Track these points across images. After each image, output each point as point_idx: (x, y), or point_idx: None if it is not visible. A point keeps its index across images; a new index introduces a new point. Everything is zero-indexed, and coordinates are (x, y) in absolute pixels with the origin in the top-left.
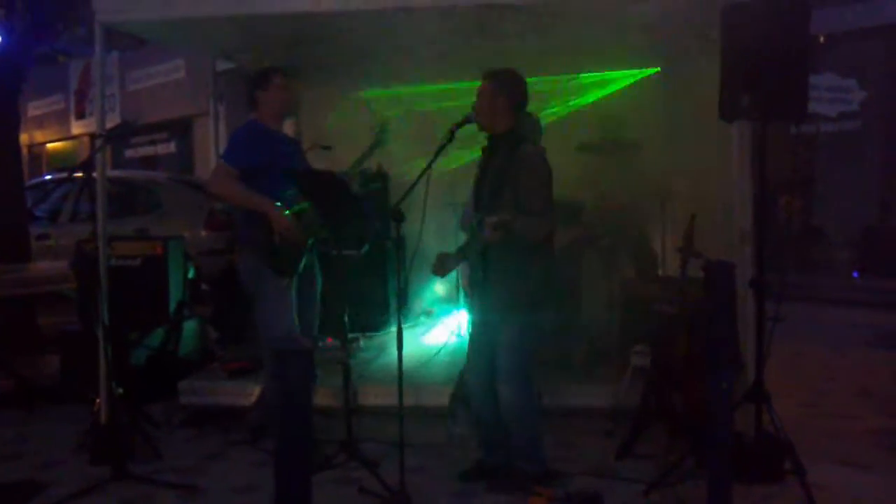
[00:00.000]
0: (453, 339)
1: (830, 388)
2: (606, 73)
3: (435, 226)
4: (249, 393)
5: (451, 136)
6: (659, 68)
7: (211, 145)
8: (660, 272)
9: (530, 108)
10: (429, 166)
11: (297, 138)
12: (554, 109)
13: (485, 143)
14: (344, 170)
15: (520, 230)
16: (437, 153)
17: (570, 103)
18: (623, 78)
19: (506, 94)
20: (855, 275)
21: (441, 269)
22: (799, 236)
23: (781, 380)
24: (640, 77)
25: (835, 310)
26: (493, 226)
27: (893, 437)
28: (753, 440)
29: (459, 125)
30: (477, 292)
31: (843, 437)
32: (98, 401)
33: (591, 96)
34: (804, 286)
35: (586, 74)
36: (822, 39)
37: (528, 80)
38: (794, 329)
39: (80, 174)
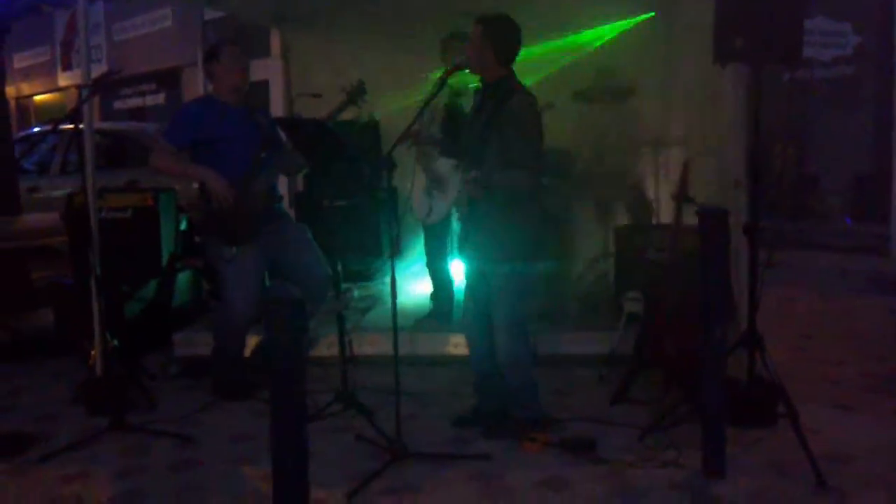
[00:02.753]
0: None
1: (821, 332)
2: (603, 27)
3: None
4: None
5: (442, 83)
6: (654, 13)
7: None
8: (654, 220)
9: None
10: (420, 114)
11: (265, 107)
12: (547, 47)
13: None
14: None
15: (499, 183)
16: (429, 100)
17: (564, 41)
18: (619, 29)
19: (491, 41)
20: (847, 221)
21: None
22: (792, 183)
23: (772, 325)
24: (635, 23)
25: (826, 255)
26: (469, 182)
27: (882, 380)
28: (746, 385)
29: (451, 71)
30: (468, 242)
31: (834, 380)
32: (93, 353)
33: (587, 36)
34: (796, 232)
35: (584, 32)
36: None
37: (525, 48)
38: (786, 275)
39: (68, 126)
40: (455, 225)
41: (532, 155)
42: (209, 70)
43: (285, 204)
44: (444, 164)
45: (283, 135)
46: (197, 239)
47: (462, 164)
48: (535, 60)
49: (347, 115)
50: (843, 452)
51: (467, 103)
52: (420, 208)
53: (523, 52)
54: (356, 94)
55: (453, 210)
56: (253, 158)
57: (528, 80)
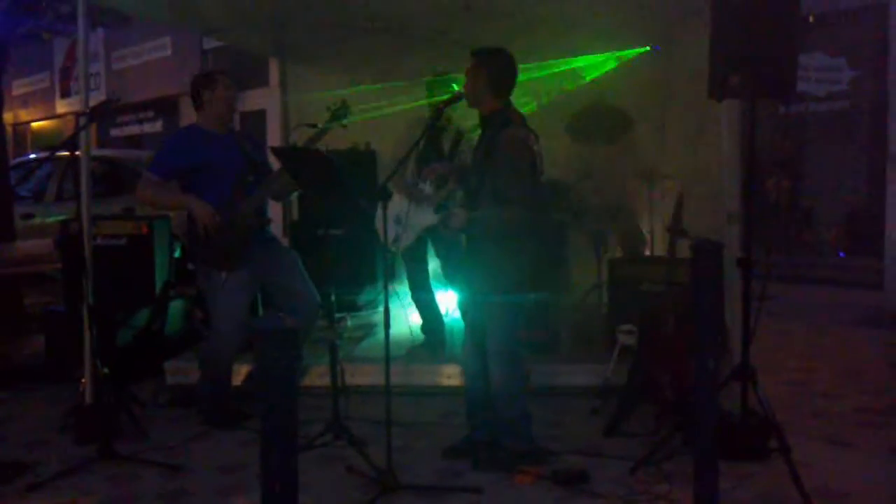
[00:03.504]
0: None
1: (816, 366)
2: (598, 55)
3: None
4: (235, 373)
5: (438, 114)
6: (649, 48)
7: None
8: (648, 252)
9: (523, 96)
10: (416, 143)
11: (250, 133)
12: (546, 99)
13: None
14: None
15: (489, 220)
16: (426, 131)
17: (563, 87)
18: (614, 59)
19: (486, 73)
20: (841, 255)
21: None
22: (787, 217)
23: (768, 359)
24: (630, 56)
25: (820, 289)
26: (446, 219)
27: (877, 416)
28: (739, 418)
29: (447, 103)
30: (462, 273)
31: (828, 415)
32: (83, 380)
33: (581, 62)
34: (791, 266)
35: (579, 58)
36: (811, 18)
37: (521, 67)
38: (780, 308)
39: (64, 153)
40: (433, 258)
41: (522, 189)
42: (199, 98)
43: (279, 232)
44: (429, 185)
45: (271, 159)
46: (190, 266)
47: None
48: (529, 86)
49: (344, 144)
50: (837, 488)
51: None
52: (388, 235)
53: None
54: (340, 113)
55: (429, 243)
56: (238, 183)
57: (523, 109)
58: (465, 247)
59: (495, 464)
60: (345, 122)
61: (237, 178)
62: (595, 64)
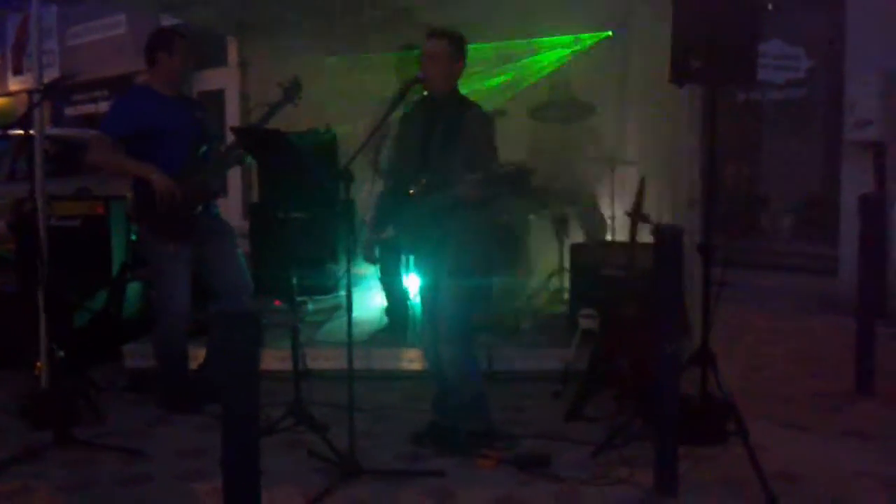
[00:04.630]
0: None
1: (773, 351)
2: (557, 38)
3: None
4: (194, 356)
5: (402, 96)
6: (611, 32)
7: None
8: (609, 237)
9: (479, 73)
10: (378, 126)
11: (201, 103)
12: (505, 77)
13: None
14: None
15: (461, 193)
16: (387, 113)
17: (520, 64)
18: (574, 42)
19: (459, 55)
20: (796, 242)
21: (371, 256)
22: (745, 203)
23: (726, 344)
24: (592, 41)
25: (777, 275)
26: (472, 184)
27: (832, 400)
28: (698, 402)
29: (410, 85)
30: (423, 256)
31: (785, 399)
32: (39, 365)
33: (544, 59)
34: (749, 251)
35: (537, 39)
36: (769, 6)
37: (477, 45)
38: (738, 294)
39: (17, 132)
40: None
41: (492, 166)
42: (152, 58)
43: (238, 214)
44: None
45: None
46: (132, 235)
47: (426, 175)
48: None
49: (304, 126)
50: (793, 471)
51: None
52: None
53: (480, 55)
54: (292, 90)
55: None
56: (192, 152)
57: (476, 86)
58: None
59: (457, 448)
60: (296, 100)
61: (190, 147)
62: (554, 56)
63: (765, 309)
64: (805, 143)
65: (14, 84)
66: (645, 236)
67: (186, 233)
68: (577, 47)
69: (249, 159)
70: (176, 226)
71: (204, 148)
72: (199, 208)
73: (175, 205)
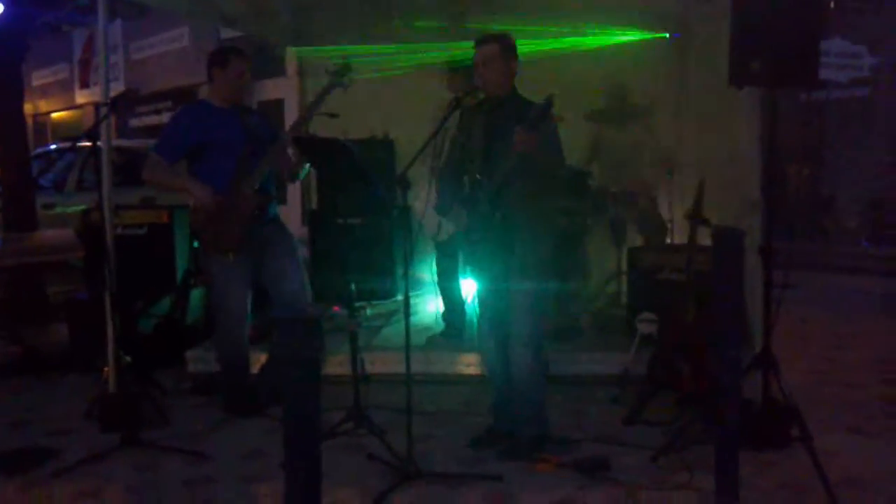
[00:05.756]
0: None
1: (839, 355)
2: (610, 30)
3: None
4: (255, 360)
5: (457, 104)
6: (667, 34)
7: None
8: (668, 240)
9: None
10: (434, 134)
11: (259, 111)
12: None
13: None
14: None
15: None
16: (443, 121)
17: (566, 42)
18: (627, 35)
19: (512, 56)
20: (865, 243)
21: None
22: (808, 204)
23: (790, 347)
24: (645, 38)
25: (843, 277)
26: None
27: None
28: (761, 407)
29: (467, 93)
30: (486, 260)
31: (851, 404)
32: (106, 369)
33: (592, 42)
34: (813, 254)
35: (589, 37)
36: (832, 4)
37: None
38: (803, 297)
39: (85, 143)
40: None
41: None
42: (209, 74)
43: (298, 221)
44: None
45: (283, 136)
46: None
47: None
48: (540, 56)
49: (363, 133)
50: (858, 477)
51: None
52: (431, 225)
53: (530, 49)
54: (340, 72)
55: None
56: (240, 163)
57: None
58: (485, 235)
59: (516, 452)
60: (347, 82)
61: (239, 158)
62: (606, 41)
63: (830, 311)
64: (870, 143)
65: (81, 97)
66: (705, 239)
67: (239, 242)
68: (629, 37)
69: (304, 174)
70: (226, 236)
71: (248, 153)
72: (255, 214)
73: (214, 214)
